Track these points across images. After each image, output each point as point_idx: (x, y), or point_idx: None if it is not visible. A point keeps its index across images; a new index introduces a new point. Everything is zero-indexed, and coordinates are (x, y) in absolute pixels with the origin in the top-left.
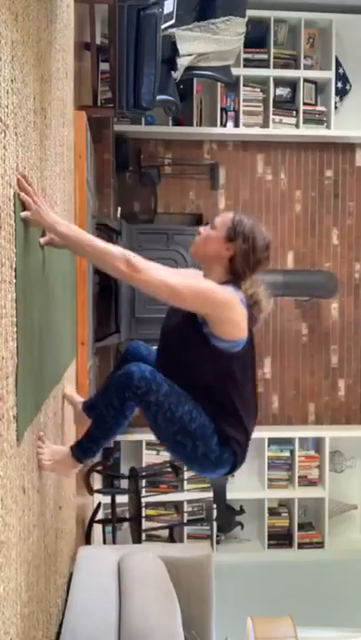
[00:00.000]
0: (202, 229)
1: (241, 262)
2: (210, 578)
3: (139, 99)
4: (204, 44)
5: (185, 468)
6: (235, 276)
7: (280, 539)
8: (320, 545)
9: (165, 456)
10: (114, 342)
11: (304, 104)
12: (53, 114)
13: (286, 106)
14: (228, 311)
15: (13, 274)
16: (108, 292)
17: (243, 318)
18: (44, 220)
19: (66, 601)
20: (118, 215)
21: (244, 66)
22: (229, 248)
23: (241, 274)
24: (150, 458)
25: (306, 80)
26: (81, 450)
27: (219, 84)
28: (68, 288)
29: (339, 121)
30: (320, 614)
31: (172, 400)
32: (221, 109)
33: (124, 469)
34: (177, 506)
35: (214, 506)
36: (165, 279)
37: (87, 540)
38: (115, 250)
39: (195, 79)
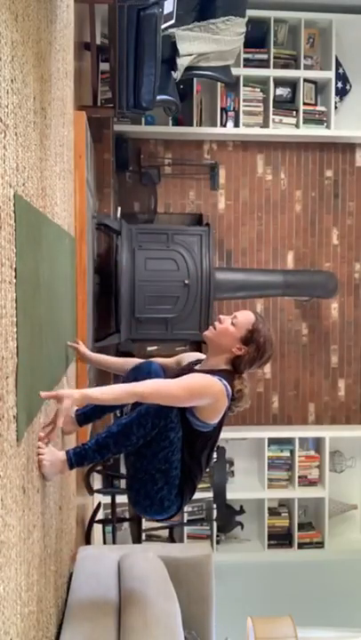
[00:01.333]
0: (223, 318)
1: (245, 363)
2: (210, 578)
3: (139, 99)
4: (204, 44)
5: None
6: (233, 368)
7: (280, 539)
8: (320, 545)
9: None
10: (114, 342)
11: (304, 104)
12: (53, 114)
13: (286, 106)
14: (215, 402)
15: (13, 274)
16: (108, 291)
17: (223, 409)
18: (74, 400)
19: (66, 601)
20: (118, 215)
21: (244, 66)
22: (241, 349)
23: (240, 370)
24: None
25: (306, 80)
26: (81, 457)
27: (219, 83)
28: (69, 288)
29: (339, 121)
30: (320, 614)
31: (179, 445)
32: (221, 109)
33: (124, 469)
34: None
35: (214, 506)
36: (167, 393)
37: (87, 540)
38: (124, 390)
39: (195, 79)
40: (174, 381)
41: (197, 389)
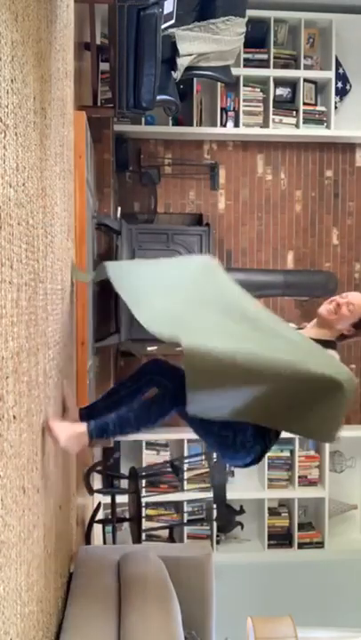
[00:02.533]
0: (341, 303)
1: (349, 338)
2: (210, 577)
3: (139, 99)
4: (204, 44)
5: (185, 469)
6: (339, 337)
7: (280, 539)
8: (320, 545)
9: (165, 456)
10: (114, 342)
11: (304, 104)
12: (53, 114)
13: (286, 106)
14: None
15: (13, 274)
16: (108, 291)
17: None
18: None
19: (66, 601)
20: (118, 215)
21: (244, 66)
22: (350, 330)
23: (343, 340)
24: (150, 458)
25: (306, 80)
26: (102, 429)
27: (219, 83)
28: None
29: (339, 121)
30: (320, 614)
31: None
32: (221, 109)
33: (124, 469)
34: (177, 506)
35: (214, 506)
36: None
37: (87, 540)
38: None
39: (195, 79)
40: None
41: None
